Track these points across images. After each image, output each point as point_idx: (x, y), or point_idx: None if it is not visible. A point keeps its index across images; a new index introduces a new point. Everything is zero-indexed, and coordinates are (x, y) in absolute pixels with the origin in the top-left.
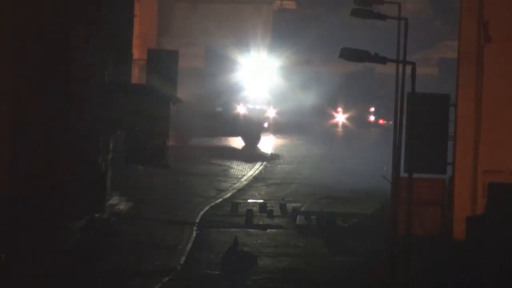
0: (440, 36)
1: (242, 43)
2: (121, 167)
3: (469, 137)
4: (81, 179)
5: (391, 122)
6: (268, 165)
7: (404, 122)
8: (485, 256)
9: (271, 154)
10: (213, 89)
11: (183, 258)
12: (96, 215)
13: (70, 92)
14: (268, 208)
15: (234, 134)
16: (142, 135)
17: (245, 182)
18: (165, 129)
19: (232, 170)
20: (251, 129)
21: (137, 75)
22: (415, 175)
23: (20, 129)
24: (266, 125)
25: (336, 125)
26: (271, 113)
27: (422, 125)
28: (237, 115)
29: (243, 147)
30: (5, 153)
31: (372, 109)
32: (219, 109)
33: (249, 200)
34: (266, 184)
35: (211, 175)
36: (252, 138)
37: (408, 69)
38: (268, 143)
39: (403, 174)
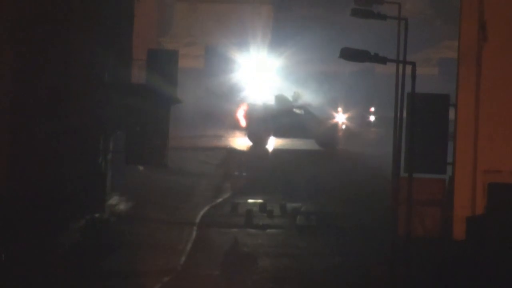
0: (440, 36)
1: (242, 43)
2: (121, 167)
3: (469, 137)
4: (81, 179)
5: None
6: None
7: (404, 122)
8: (485, 256)
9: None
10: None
11: (183, 258)
12: (96, 215)
13: (70, 92)
14: (268, 208)
15: (311, 136)
16: (142, 135)
17: None
18: (165, 129)
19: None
20: (327, 133)
21: (137, 75)
22: (415, 175)
23: (19, 129)
24: (344, 126)
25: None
26: None
27: (422, 125)
28: (316, 117)
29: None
30: (4, 153)
31: (372, 109)
32: (297, 111)
33: (249, 200)
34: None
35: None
36: (327, 142)
37: (408, 69)
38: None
39: (403, 174)
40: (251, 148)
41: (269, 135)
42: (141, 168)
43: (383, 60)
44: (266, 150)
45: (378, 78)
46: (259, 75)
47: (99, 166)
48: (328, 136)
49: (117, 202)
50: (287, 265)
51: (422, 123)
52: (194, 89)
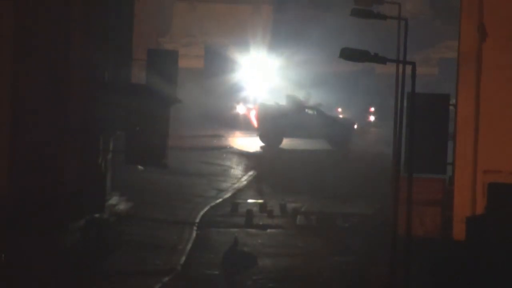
0: (440, 36)
1: (242, 43)
2: (121, 167)
3: (469, 137)
4: (81, 179)
5: None
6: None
7: (404, 122)
8: (485, 256)
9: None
10: (304, 90)
11: (183, 258)
12: (96, 215)
13: (70, 92)
14: (268, 208)
15: (323, 136)
16: (142, 135)
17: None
18: (165, 129)
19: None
20: (340, 132)
21: (137, 75)
22: (415, 175)
23: (20, 129)
24: (356, 126)
25: None
26: None
27: (422, 125)
28: (328, 117)
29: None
30: (5, 153)
31: (372, 109)
32: (309, 111)
33: (249, 200)
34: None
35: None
36: (340, 141)
37: (408, 69)
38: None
39: (403, 174)
40: (264, 148)
41: (281, 136)
42: (141, 168)
43: (383, 60)
44: (278, 150)
45: (378, 78)
46: (259, 75)
47: (99, 166)
48: (341, 135)
49: (117, 202)
50: (287, 265)
51: (422, 123)
52: (194, 89)
